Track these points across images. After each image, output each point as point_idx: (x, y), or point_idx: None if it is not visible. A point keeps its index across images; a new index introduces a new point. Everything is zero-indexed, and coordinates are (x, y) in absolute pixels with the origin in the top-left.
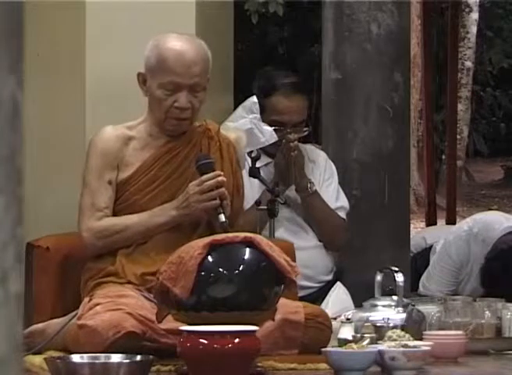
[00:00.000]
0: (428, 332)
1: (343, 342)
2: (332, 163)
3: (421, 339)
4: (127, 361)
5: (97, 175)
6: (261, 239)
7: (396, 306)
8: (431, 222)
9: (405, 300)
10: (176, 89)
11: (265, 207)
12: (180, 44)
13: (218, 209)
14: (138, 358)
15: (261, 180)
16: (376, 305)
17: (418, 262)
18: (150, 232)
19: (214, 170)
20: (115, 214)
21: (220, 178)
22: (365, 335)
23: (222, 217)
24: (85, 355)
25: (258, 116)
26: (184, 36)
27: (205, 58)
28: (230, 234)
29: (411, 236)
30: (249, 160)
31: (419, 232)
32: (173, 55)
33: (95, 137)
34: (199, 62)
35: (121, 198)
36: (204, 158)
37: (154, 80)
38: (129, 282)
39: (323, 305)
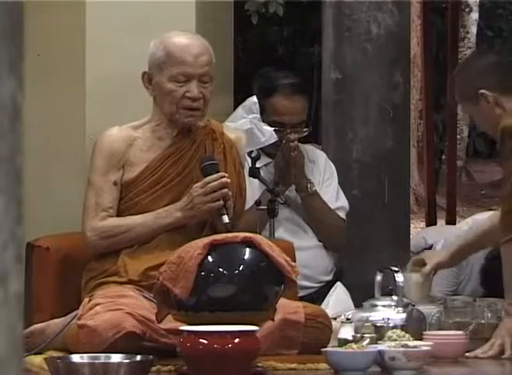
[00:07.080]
0: (428, 332)
1: (343, 342)
2: (331, 163)
3: (421, 339)
4: (127, 361)
5: (102, 175)
6: (261, 239)
7: (396, 306)
8: (431, 222)
9: (405, 300)
10: (186, 80)
11: (265, 207)
12: (185, 37)
13: (222, 210)
14: (138, 358)
15: (261, 180)
16: (376, 305)
17: None
18: (154, 233)
19: (218, 172)
20: (118, 214)
21: (224, 179)
22: (365, 335)
23: (226, 218)
24: (85, 355)
25: (258, 116)
26: (186, 32)
27: (209, 50)
28: (230, 234)
29: (411, 236)
30: (249, 160)
31: (419, 232)
32: (181, 47)
33: (101, 137)
34: (205, 52)
35: (125, 199)
36: (207, 160)
37: (163, 75)
38: (129, 281)
39: (323, 305)
